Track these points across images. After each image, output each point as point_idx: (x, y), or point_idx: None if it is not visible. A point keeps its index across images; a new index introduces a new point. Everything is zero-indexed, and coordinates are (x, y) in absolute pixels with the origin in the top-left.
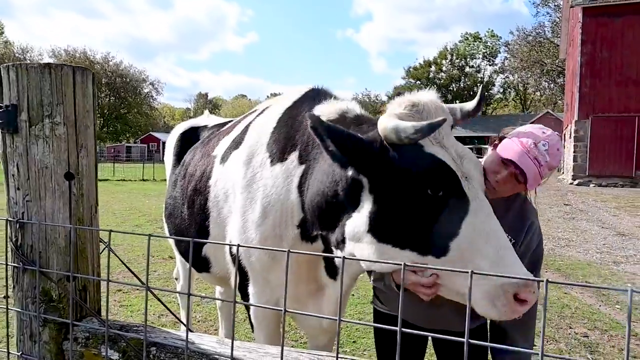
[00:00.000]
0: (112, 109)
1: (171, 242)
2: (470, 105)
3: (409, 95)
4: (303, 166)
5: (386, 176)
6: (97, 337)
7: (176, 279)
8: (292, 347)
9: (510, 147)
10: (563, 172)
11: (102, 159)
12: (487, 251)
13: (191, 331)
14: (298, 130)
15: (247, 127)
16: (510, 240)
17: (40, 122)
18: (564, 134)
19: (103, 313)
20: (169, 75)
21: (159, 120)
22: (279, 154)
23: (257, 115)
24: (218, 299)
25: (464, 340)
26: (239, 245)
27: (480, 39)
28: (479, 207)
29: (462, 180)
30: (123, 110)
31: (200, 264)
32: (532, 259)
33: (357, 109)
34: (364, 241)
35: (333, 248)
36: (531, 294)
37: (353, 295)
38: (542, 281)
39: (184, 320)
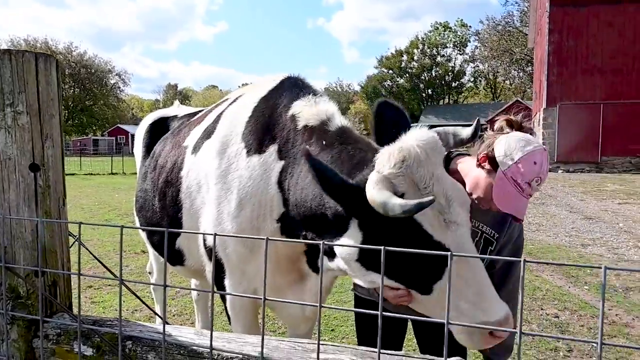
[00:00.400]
0: (77, 101)
1: (143, 235)
2: (464, 133)
3: (399, 143)
4: (283, 162)
5: (376, 221)
6: (69, 333)
7: (150, 273)
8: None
9: (504, 190)
10: None
11: (67, 153)
12: (467, 294)
13: (168, 323)
14: (277, 123)
15: (219, 116)
16: (494, 235)
17: (1, 111)
18: (533, 122)
19: (75, 309)
20: (137, 66)
21: (127, 112)
22: (256, 145)
23: (230, 104)
24: (195, 290)
25: (444, 322)
26: (215, 234)
27: (451, 28)
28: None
29: (448, 228)
30: (89, 102)
31: (174, 257)
32: (514, 248)
33: (337, 117)
34: (352, 266)
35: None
36: (504, 334)
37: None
38: (520, 261)
39: (160, 314)
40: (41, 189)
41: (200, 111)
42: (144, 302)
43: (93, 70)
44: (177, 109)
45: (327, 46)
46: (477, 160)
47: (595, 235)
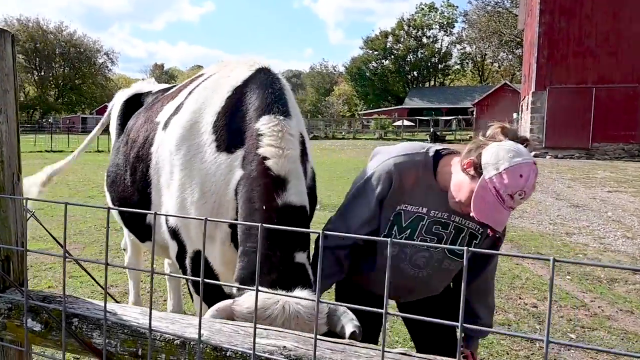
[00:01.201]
0: (66, 80)
1: (114, 212)
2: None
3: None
4: (242, 172)
5: None
6: (20, 308)
7: (124, 249)
8: None
9: (484, 199)
10: None
11: (57, 130)
12: None
13: (116, 301)
14: (247, 129)
15: (190, 94)
16: (478, 230)
17: None
18: (521, 105)
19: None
20: (125, 46)
21: (115, 91)
22: (225, 143)
23: (202, 82)
24: (176, 276)
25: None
26: (155, 214)
27: (436, 9)
28: None
29: None
30: (78, 81)
31: (144, 232)
32: (494, 240)
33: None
34: None
35: None
36: None
37: None
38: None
39: (132, 292)
40: None
41: (173, 86)
42: (92, 277)
43: (82, 50)
44: (152, 85)
45: (312, 27)
46: (462, 165)
47: (581, 223)
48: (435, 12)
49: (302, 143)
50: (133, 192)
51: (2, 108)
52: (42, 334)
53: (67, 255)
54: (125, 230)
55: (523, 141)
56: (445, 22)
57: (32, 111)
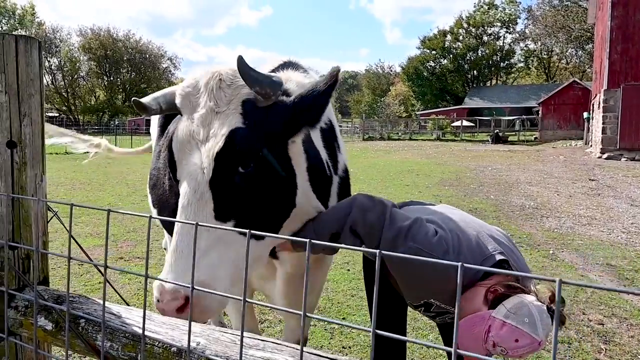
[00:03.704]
0: (132, 84)
1: (154, 212)
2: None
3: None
4: None
5: None
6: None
7: (165, 249)
8: (265, 321)
9: (473, 327)
10: (591, 145)
11: (122, 132)
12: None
13: (127, 304)
14: None
15: None
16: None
17: None
18: (592, 104)
19: (52, 283)
20: (187, 51)
21: None
22: None
23: None
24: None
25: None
26: (150, 217)
27: (496, 6)
28: None
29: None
30: (143, 85)
31: None
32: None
33: None
34: None
35: None
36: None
37: (348, 270)
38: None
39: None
40: (17, 165)
41: None
42: (108, 281)
43: (147, 56)
44: None
45: (369, 28)
46: (492, 288)
47: None
48: (496, 9)
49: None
50: (171, 195)
51: (26, 111)
52: (53, 333)
53: (72, 257)
54: (165, 232)
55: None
56: (507, 19)
57: (101, 114)
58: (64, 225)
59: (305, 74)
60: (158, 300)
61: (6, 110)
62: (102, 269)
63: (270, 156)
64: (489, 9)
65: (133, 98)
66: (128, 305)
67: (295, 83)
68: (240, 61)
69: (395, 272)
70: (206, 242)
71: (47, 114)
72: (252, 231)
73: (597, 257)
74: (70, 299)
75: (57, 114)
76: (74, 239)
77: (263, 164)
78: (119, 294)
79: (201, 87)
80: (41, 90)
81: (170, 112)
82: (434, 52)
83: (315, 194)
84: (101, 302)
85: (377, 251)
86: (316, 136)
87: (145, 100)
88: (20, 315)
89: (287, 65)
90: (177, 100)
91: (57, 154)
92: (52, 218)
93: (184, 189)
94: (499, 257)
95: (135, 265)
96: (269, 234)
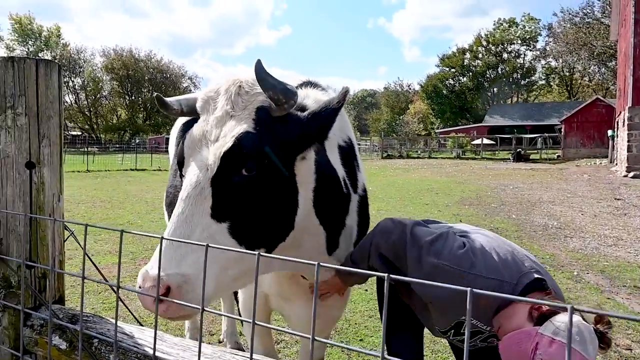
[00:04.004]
0: (153, 104)
1: None
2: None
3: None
4: None
5: None
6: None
7: None
8: (281, 341)
9: (520, 344)
10: (616, 164)
11: (143, 150)
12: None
13: (140, 324)
14: None
15: None
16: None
17: (3, 113)
18: (617, 122)
19: (67, 302)
20: (206, 71)
21: None
22: None
23: None
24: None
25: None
26: (162, 238)
27: (517, 23)
28: None
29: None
30: None
31: None
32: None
33: None
34: None
35: None
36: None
37: (366, 290)
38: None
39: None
40: (35, 185)
41: None
42: (121, 300)
43: (168, 75)
44: None
45: (387, 46)
46: (534, 307)
47: None
48: (516, 26)
49: None
50: None
51: (45, 133)
52: (67, 352)
53: (86, 277)
54: None
55: (606, 342)
56: (527, 36)
57: (123, 132)
58: (79, 244)
59: (323, 92)
60: (140, 287)
61: (26, 131)
62: (115, 288)
63: (275, 165)
64: (509, 26)
65: (156, 94)
66: (141, 325)
67: (313, 100)
68: (258, 65)
69: (421, 294)
70: (198, 239)
71: (70, 132)
72: (262, 253)
73: (623, 279)
74: (84, 318)
75: (79, 133)
76: (89, 257)
77: (266, 172)
78: (132, 313)
79: (221, 92)
80: (60, 112)
81: (189, 116)
82: (453, 70)
83: (326, 213)
84: (112, 321)
85: (386, 275)
86: (334, 154)
87: (168, 99)
88: (35, 334)
89: (306, 84)
90: (198, 104)
91: (78, 172)
92: (68, 237)
93: (186, 182)
94: (536, 275)
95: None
96: (278, 256)
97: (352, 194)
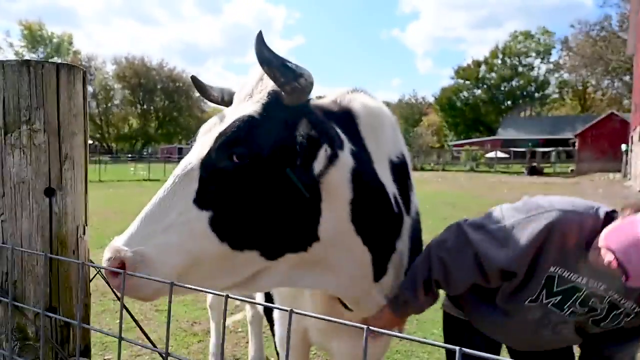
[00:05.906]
0: (165, 112)
1: None
2: None
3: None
4: None
5: None
6: None
7: (210, 307)
8: None
9: (624, 231)
10: (629, 178)
11: (155, 160)
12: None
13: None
14: None
15: None
16: (634, 309)
17: (17, 129)
18: (631, 137)
19: (99, 350)
20: (219, 80)
21: None
22: None
23: None
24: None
25: None
26: (226, 296)
27: (532, 36)
28: None
29: None
30: (175, 114)
31: None
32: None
33: None
34: None
35: None
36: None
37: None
38: None
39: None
40: (57, 216)
41: None
42: (150, 341)
43: (180, 84)
44: None
45: (400, 57)
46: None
47: None
48: (531, 39)
49: None
50: None
51: (68, 153)
52: None
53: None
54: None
55: None
56: (542, 49)
57: (134, 141)
58: (114, 292)
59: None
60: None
61: (45, 152)
62: (163, 355)
63: (276, 158)
64: (525, 38)
65: (192, 75)
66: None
67: (359, 103)
68: (258, 36)
69: (517, 265)
70: (172, 221)
71: None
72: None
73: None
74: None
75: (90, 142)
76: (126, 309)
77: (265, 163)
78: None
79: (251, 78)
80: (85, 129)
81: (227, 106)
82: (467, 82)
83: (370, 231)
84: None
85: (458, 348)
86: (383, 168)
87: (208, 84)
88: None
89: (356, 91)
90: (236, 92)
91: (91, 181)
92: (94, 277)
93: (182, 161)
94: (605, 208)
95: (200, 342)
96: (190, 286)
97: (404, 215)
